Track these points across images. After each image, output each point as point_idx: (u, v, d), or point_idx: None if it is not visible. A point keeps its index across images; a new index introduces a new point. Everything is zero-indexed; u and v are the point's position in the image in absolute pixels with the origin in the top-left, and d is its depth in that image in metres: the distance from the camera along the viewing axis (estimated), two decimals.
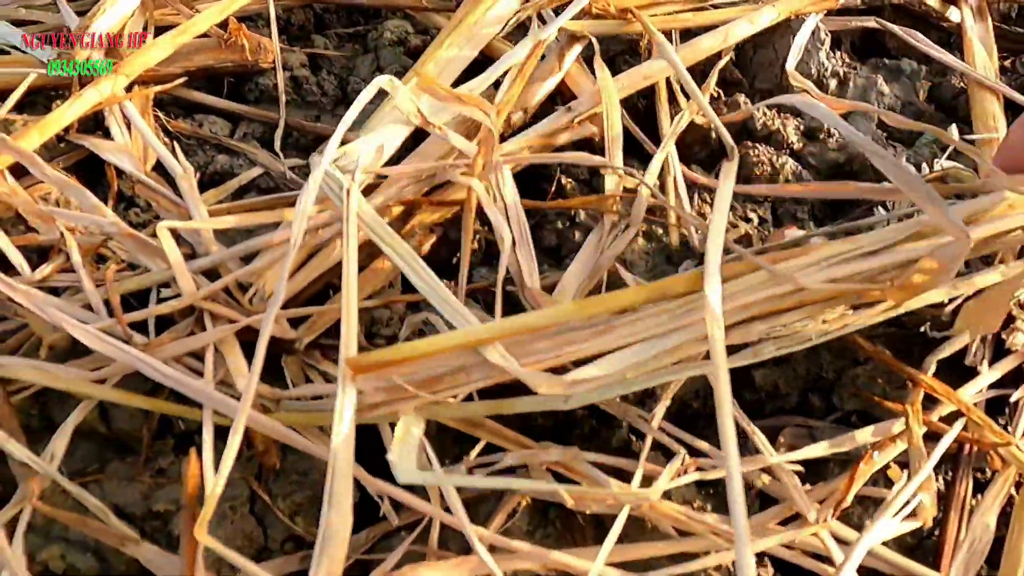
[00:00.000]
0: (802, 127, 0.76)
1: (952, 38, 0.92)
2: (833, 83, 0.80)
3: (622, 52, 0.82)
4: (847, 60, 0.85)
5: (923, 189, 0.57)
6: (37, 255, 0.62)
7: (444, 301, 0.51)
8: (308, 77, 0.85)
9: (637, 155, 0.75)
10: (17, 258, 0.57)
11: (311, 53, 0.88)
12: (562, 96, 0.76)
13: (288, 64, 0.85)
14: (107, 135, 0.76)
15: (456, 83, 0.74)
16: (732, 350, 0.57)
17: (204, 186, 0.73)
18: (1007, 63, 0.92)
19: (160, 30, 0.87)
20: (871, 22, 0.85)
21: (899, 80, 0.84)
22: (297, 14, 0.94)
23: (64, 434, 0.51)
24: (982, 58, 0.83)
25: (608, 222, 0.64)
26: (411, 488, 0.50)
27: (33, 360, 0.54)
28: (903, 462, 0.56)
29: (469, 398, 0.57)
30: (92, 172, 0.75)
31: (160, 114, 0.78)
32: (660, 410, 0.56)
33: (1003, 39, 0.91)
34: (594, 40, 0.77)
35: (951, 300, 0.63)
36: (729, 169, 0.56)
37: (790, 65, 0.74)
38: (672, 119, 0.74)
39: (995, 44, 0.88)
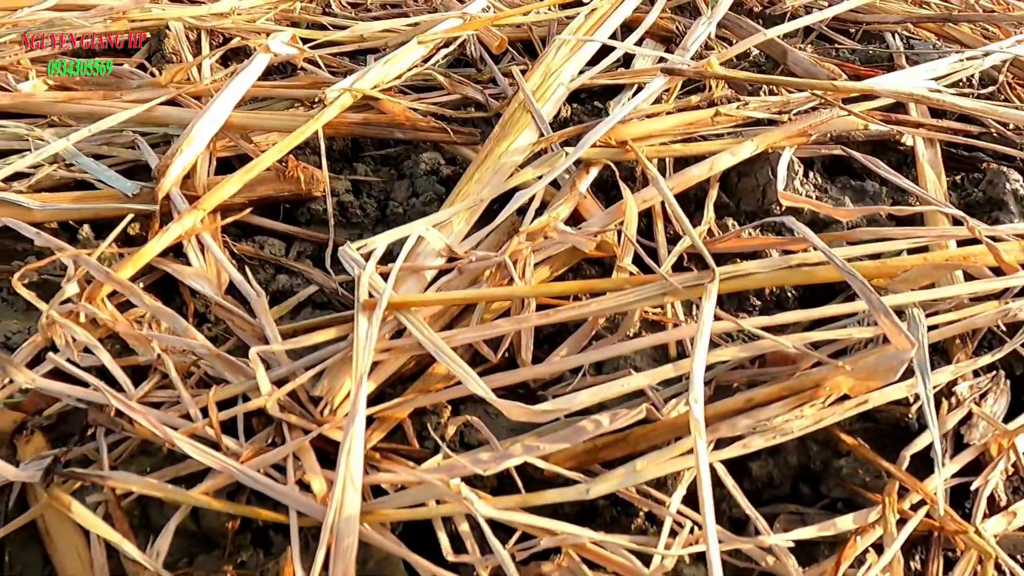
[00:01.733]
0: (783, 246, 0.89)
1: (908, 158, 1.06)
2: (807, 208, 0.93)
3: (624, 178, 0.95)
4: (819, 181, 0.99)
5: (879, 305, 0.69)
6: (133, 372, 0.72)
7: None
8: (352, 202, 0.98)
9: (640, 267, 0.87)
10: (123, 378, 0.67)
11: (354, 179, 1.01)
12: (573, 219, 0.89)
13: (335, 190, 0.98)
14: (177, 253, 0.87)
15: (487, 211, 0.87)
16: (724, 443, 0.67)
17: (268, 303, 0.84)
18: (958, 178, 1.06)
19: (221, 161, 1.01)
20: (838, 150, 0.99)
21: (864, 200, 0.97)
22: (337, 141, 1.08)
23: (167, 535, 0.60)
24: (932, 181, 0.96)
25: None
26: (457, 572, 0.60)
27: (135, 475, 0.63)
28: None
29: (500, 492, 0.67)
30: (167, 288, 0.86)
31: (228, 239, 0.90)
32: (676, 498, 0.65)
33: (953, 160, 1.05)
34: (613, 166, 0.91)
35: (915, 399, 0.74)
36: (710, 291, 0.68)
37: (780, 187, 0.87)
38: (668, 240, 0.87)
39: (944, 166, 1.02)
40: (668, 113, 0.98)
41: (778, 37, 1.25)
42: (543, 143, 0.93)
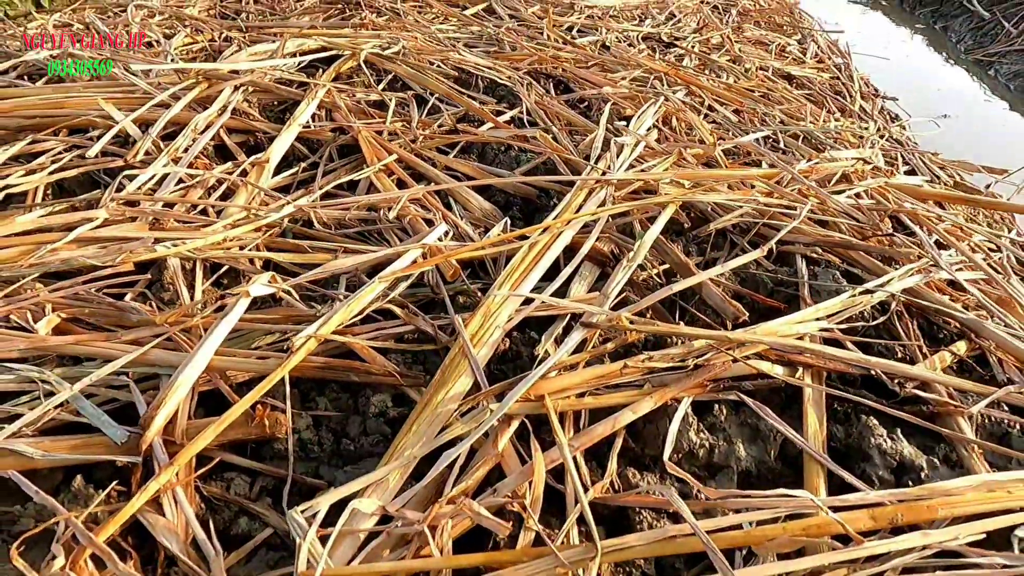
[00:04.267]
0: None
1: (800, 391, 1.21)
2: (702, 452, 1.08)
3: (542, 424, 1.10)
4: (721, 421, 1.13)
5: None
6: None
7: None
8: (312, 438, 1.13)
9: (555, 516, 1.00)
10: None
11: (315, 415, 1.17)
12: (497, 471, 1.03)
13: (296, 428, 1.13)
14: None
15: (426, 459, 1.02)
16: None
17: (227, 542, 0.98)
18: (848, 409, 1.20)
19: (201, 395, 1.17)
20: (733, 395, 1.14)
21: (756, 441, 1.11)
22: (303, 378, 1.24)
23: None
24: (813, 426, 1.11)
25: None
26: None
27: None
28: None
29: None
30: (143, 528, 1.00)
31: (198, 482, 1.04)
32: None
33: (838, 400, 1.20)
34: (527, 422, 1.06)
35: None
36: (591, 569, 0.81)
37: (667, 455, 1.02)
38: (575, 492, 1.00)
39: (832, 400, 1.17)
40: (586, 365, 1.14)
41: (698, 264, 1.43)
42: (474, 400, 1.08)
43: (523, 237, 1.45)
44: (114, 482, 1.02)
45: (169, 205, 1.59)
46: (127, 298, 1.35)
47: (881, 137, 2.67)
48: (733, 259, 1.38)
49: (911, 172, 2.43)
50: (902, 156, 2.47)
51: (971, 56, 5.63)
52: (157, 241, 1.43)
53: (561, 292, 1.39)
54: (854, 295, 1.33)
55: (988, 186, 2.57)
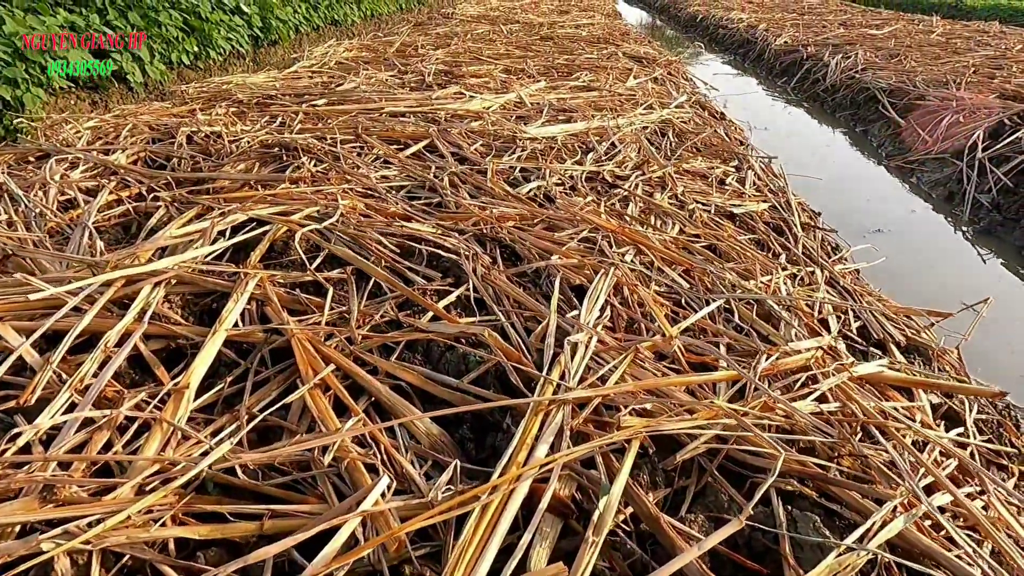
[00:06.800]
0: None
1: None
2: None
3: None
4: None
5: None
6: None
7: None
8: None
9: None
10: None
11: None
12: None
13: None
14: None
15: None
16: None
17: None
18: None
19: None
20: None
21: None
22: None
23: None
24: None
25: None
26: None
27: None
28: None
29: None
30: None
31: None
32: None
33: None
34: None
35: None
36: None
37: None
38: None
39: None
40: None
41: (665, 497, 1.30)
42: None
43: (481, 484, 1.29)
44: None
45: (66, 465, 1.39)
46: None
47: (831, 286, 2.67)
48: (712, 534, 1.25)
49: (863, 328, 2.41)
50: (854, 312, 2.45)
51: (892, 162, 5.90)
52: (46, 525, 1.22)
53: (522, 563, 1.23)
54: (841, 553, 1.22)
55: (931, 325, 2.59)
